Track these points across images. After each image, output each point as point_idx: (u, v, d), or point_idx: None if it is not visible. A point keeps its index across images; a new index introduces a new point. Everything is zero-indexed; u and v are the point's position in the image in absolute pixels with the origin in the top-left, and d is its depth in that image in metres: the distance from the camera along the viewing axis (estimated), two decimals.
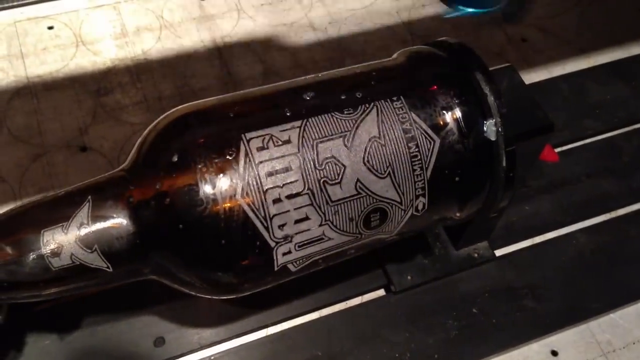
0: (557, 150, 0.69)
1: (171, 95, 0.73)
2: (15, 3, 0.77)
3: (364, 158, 0.42)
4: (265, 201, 0.41)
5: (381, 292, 0.60)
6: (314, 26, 0.81)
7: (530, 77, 0.77)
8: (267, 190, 0.41)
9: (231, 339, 0.56)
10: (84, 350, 0.54)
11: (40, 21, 0.77)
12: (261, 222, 0.41)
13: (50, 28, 0.77)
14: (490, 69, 0.47)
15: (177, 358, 0.55)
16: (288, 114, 0.42)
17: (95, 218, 0.42)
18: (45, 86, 0.72)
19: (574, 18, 0.86)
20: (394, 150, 0.43)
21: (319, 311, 0.58)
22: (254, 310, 0.57)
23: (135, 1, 0.81)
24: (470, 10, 0.69)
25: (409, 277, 0.59)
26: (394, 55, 0.50)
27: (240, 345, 0.55)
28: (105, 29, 0.78)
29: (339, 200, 0.42)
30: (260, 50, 0.78)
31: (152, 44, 0.77)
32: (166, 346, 0.54)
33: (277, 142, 0.41)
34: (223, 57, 0.77)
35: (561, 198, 0.66)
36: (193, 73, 0.75)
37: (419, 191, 0.44)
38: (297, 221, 0.42)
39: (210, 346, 0.55)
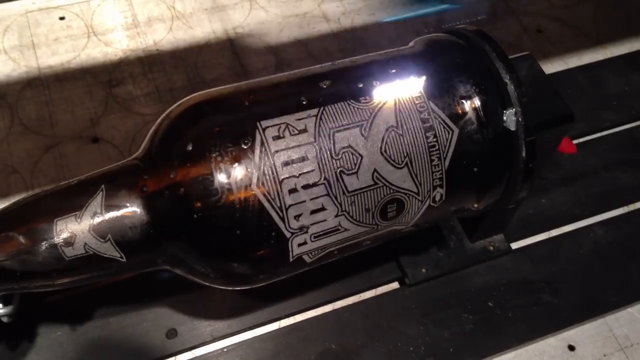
0: (574, 142, 0.68)
1: (183, 86, 0.72)
2: None
3: (381, 148, 0.42)
4: (281, 191, 0.40)
5: (395, 285, 0.59)
6: (327, 17, 0.80)
7: (546, 68, 0.76)
8: (283, 180, 0.40)
9: (244, 331, 0.56)
10: (96, 341, 0.54)
11: (51, 11, 0.77)
12: (277, 212, 0.40)
13: (62, 18, 0.77)
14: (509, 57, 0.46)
15: (190, 350, 0.54)
16: (304, 102, 0.42)
17: (109, 207, 0.42)
18: (56, 77, 0.71)
19: (590, 8, 0.84)
20: (412, 140, 0.42)
21: (333, 304, 0.58)
22: (266, 302, 0.56)
23: None
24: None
25: (423, 270, 0.58)
26: (411, 43, 0.49)
27: (253, 337, 0.55)
28: (117, 19, 0.77)
29: (355, 190, 0.42)
30: (272, 41, 0.77)
31: (163, 35, 0.76)
32: (179, 338, 0.54)
33: (293, 131, 0.41)
34: (235, 48, 0.76)
35: (578, 190, 0.65)
36: (205, 64, 0.74)
37: (436, 182, 0.44)
38: (313, 212, 0.41)
39: (223, 338, 0.55)
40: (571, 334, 0.59)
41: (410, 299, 0.58)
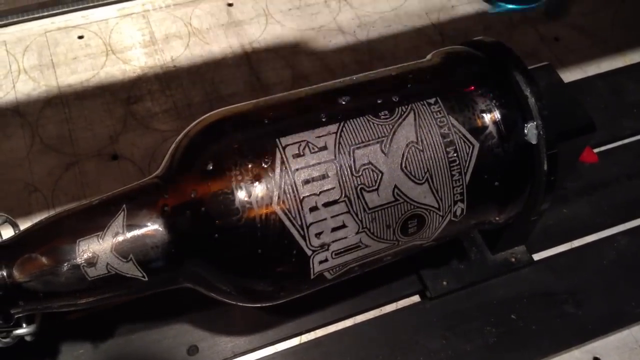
0: (595, 151, 0.68)
1: (200, 102, 0.72)
2: (45, 13, 0.78)
3: (401, 164, 0.42)
4: (302, 209, 0.40)
5: (416, 298, 0.59)
6: (343, 30, 0.80)
7: (565, 76, 0.74)
8: (303, 198, 0.40)
9: (265, 347, 0.55)
10: (118, 358, 0.54)
11: (70, 31, 0.78)
12: (298, 230, 0.40)
13: (81, 37, 0.77)
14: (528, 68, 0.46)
15: None
16: (324, 119, 0.42)
17: (131, 227, 0.42)
18: (76, 95, 0.72)
19: (608, 15, 0.84)
20: (432, 156, 0.42)
21: (353, 318, 0.58)
22: (287, 317, 0.56)
23: (163, 9, 0.81)
24: (510, 6, 0.67)
25: (444, 283, 0.58)
26: (429, 56, 0.49)
27: (274, 353, 0.55)
28: (135, 37, 0.78)
29: (376, 207, 0.41)
30: (289, 55, 0.77)
31: (181, 51, 0.77)
32: (200, 354, 0.54)
33: (313, 148, 0.41)
34: (251, 62, 0.76)
35: (600, 200, 0.64)
36: (222, 79, 0.75)
37: (457, 197, 0.43)
38: (334, 229, 0.41)
39: (244, 354, 0.55)
40: (596, 346, 0.58)
41: (432, 312, 0.57)
